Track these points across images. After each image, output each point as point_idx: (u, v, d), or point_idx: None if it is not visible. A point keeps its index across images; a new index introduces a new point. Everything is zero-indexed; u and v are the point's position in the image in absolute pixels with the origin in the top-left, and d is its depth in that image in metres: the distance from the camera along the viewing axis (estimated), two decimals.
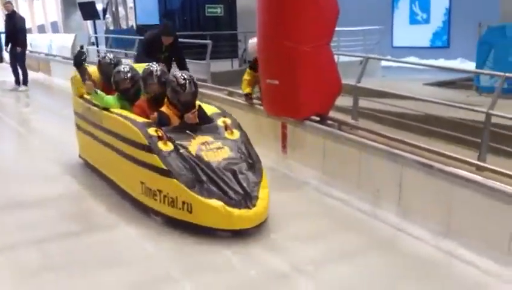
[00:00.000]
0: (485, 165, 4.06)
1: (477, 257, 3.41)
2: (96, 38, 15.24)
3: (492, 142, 4.37)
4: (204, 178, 3.67)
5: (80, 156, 5.37)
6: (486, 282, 3.22)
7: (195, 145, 3.88)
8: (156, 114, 4.13)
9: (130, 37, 12.61)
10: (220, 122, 4.22)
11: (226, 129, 4.13)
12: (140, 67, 4.84)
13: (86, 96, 5.06)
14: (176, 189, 3.67)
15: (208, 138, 3.97)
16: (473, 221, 3.56)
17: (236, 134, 4.13)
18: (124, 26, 17.02)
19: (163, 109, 4.15)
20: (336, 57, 6.20)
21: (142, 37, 11.09)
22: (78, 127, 5.33)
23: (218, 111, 4.46)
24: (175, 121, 4.10)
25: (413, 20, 15.44)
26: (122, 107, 4.50)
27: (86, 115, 5.02)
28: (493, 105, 4.31)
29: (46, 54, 14.61)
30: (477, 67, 7.59)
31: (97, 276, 3.27)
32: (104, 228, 4.00)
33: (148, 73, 4.34)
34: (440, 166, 3.86)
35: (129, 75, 4.54)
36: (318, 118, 5.04)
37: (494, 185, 3.58)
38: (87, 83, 4.70)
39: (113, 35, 14.27)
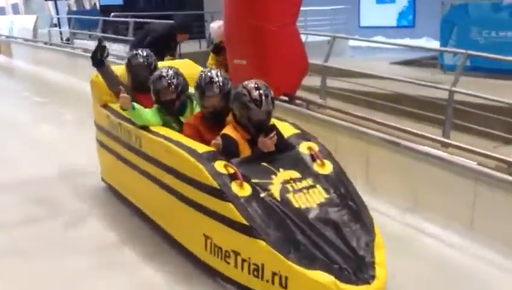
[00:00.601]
0: (449, 141, 4.16)
1: (442, 231, 3.52)
2: (58, 19, 14.80)
3: (456, 119, 4.46)
4: (299, 237, 2.59)
5: (102, 180, 4.33)
6: (450, 255, 3.32)
7: (278, 184, 2.81)
8: (219, 139, 3.01)
9: (94, 17, 12.30)
10: (303, 148, 3.10)
11: (313, 159, 3.04)
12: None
13: (111, 105, 3.96)
14: (263, 254, 2.58)
15: (293, 173, 2.89)
16: (438, 196, 3.66)
17: (329, 166, 3.01)
18: (87, 6, 16.56)
19: (228, 131, 3.07)
20: (303, 37, 6.21)
21: (105, 18, 10.94)
22: (101, 144, 4.19)
23: (297, 131, 3.28)
24: (244, 148, 3.04)
25: None
26: (164, 124, 3.45)
27: (114, 131, 3.84)
28: (456, 82, 4.39)
29: (7, 36, 14.15)
30: (441, 45, 7.71)
31: (64, 260, 3.25)
32: (70, 212, 3.95)
33: (208, 81, 3.17)
34: (406, 143, 3.94)
35: (174, 82, 3.42)
36: (286, 98, 5.05)
37: (457, 161, 3.68)
38: (122, 96, 3.37)
39: (76, 16, 13.87)
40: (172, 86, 3.41)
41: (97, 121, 4.23)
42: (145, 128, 3.40)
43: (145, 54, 3.90)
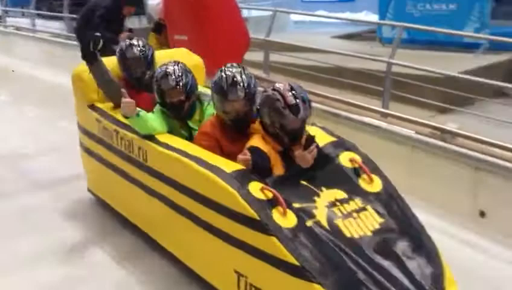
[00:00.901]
0: (388, 111, 4.32)
1: None
2: None
3: (395, 90, 4.61)
4: (360, 275, 2.10)
5: (89, 190, 3.79)
6: None
7: (323, 207, 2.32)
8: (248, 153, 2.44)
9: None
10: (344, 160, 2.59)
11: (358, 174, 2.55)
12: None
13: (101, 106, 3.37)
14: None
15: (338, 193, 2.41)
16: (379, 165, 3.79)
17: (378, 182, 2.53)
18: None
19: (257, 142, 2.52)
20: (245, 11, 6.19)
21: None
22: (88, 152, 3.61)
23: (333, 139, 2.74)
24: (276, 162, 2.51)
25: None
26: (170, 130, 2.94)
27: (107, 139, 3.26)
28: (393, 55, 4.53)
29: None
30: (379, 19, 7.88)
31: (12, 243, 3.23)
32: (15, 195, 3.89)
33: (231, 82, 2.62)
34: (347, 114, 4.05)
35: (183, 81, 2.89)
36: None
37: (396, 130, 3.84)
38: (127, 102, 2.75)
39: None
40: (181, 86, 2.87)
41: (82, 123, 3.61)
42: (150, 138, 2.85)
43: (141, 44, 3.32)
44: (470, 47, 6.19)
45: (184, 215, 2.65)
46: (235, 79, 2.61)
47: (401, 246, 2.25)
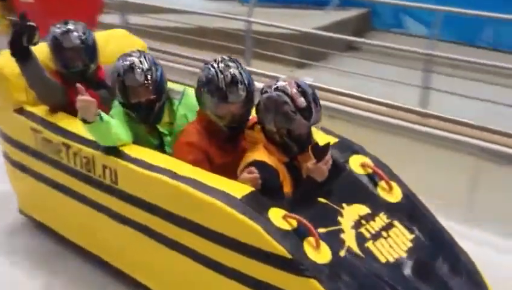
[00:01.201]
0: (250, 69, 4.43)
1: None
2: None
3: (257, 48, 4.74)
4: None
5: (21, 212, 3.13)
6: None
7: (349, 229, 1.99)
8: (254, 170, 2.02)
9: None
10: (355, 167, 2.23)
11: (374, 182, 2.20)
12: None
13: (35, 111, 2.70)
14: None
15: (360, 208, 2.08)
16: None
17: (397, 190, 2.20)
18: None
19: (260, 155, 2.10)
20: None
21: None
22: (17, 165, 2.92)
23: (335, 139, 2.36)
24: (284, 177, 2.12)
25: None
26: (136, 139, 2.36)
27: (51, 154, 2.60)
28: (251, 13, 4.62)
29: None
30: None
31: None
32: None
33: (230, 80, 2.12)
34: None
35: (153, 75, 2.33)
36: None
37: (258, 86, 3.96)
38: (84, 100, 2.09)
39: None
40: (150, 82, 2.31)
41: (7, 131, 2.91)
42: (118, 153, 2.26)
43: (80, 30, 2.65)
44: (322, 4, 6.53)
45: (179, 251, 2.14)
46: (234, 76, 2.12)
47: (440, 266, 2.01)
